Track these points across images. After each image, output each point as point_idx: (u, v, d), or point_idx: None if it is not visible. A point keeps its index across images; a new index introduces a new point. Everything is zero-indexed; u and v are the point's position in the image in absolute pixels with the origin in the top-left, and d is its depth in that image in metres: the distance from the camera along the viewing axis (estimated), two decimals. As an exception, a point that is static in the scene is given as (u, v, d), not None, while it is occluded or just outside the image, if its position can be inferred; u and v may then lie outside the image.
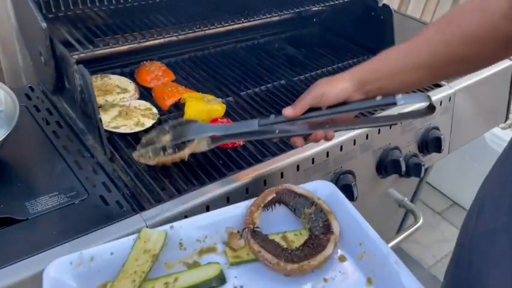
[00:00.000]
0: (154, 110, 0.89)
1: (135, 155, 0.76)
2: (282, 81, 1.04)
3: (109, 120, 0.85)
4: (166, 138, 0.77)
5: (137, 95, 0.94)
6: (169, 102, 0.92)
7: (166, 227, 0.60)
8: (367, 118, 0.88)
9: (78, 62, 0.75)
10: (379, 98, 0.67)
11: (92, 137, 0.82)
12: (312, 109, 0.68)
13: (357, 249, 0.61)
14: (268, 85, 1.02)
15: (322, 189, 0.67)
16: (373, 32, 1.14)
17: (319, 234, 0.63)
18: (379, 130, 0.94)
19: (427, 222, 1.94)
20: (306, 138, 0.72)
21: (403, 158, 0.98)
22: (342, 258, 0.62)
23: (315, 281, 0.59)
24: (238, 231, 0.62)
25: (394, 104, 0.64)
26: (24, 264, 0.60)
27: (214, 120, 0.87)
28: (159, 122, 0.87)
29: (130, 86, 0.95)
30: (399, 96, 0.64)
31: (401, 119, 0.82)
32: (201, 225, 0.62)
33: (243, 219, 0.63)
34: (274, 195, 0.66)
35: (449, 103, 1.07)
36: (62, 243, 0.62)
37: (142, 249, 0.57)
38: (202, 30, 0.99)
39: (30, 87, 0.94)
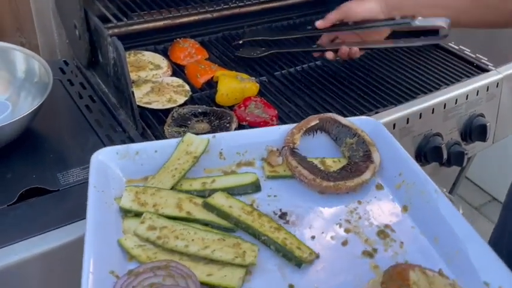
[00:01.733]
0: (187, 87, 0.88)
1: (167, 132, 0.75)
2: (318, 62, 1.01)
3: (141, 96, 0.85)
4: (202, 127, 0.76)
5: (170, 72, 0.93)
6: (202, 79, 0.91)
7: (209, 136, 0.63)
8: (388, 40, 0.94)
9: (112, 36, 0.74)
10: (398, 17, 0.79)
11: (124, 112, 0.81)
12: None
13: (396, 179, 0.61)
14: (304, 65, 1.00)
15: (366, 124, 0.68)
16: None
17: (359, 162, 0.63)
18: (420, 115, 0.90)
19: (465, 217, 1.87)
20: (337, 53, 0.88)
21: (445, 146, 0.94)
22: (379, 187, 0.62)
23: (348, 201, 0.59)
24: (277, 149, 0.64)
25: (409, 23, 0.77)
26: (55, 234, 0.60)
27: (248, 99, 0.85)
28: (191, 99, 0.86)
29: (163, 62, 0.94)
30: (420, 18, 0.76)
31: (423, 41, 0.91)
32: (242, 139, 0.64)
33: (283, 140, 0.64)
34: (318, 121, 0.66)
35: (496, 89, 1.01)
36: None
37: (184, 151, 0.60)
38: (237, 7, 0.96)
39: (64, 61, 0.95)
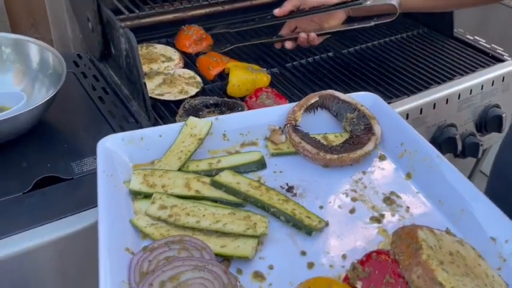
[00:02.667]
0: (198, 79, 0.89)
1: (178, 121, 0.75)
2: (330, 54, 1.01)
3: (153, 88, 0.85)
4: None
5: (182, 64, 0.94)
6: (214, 72, 0.92)
7: (212, 118, 0.64)
8: (343, 24, 0.96)
9: (124, 28, 0.75)
10: None
11: (137, 103, 0.82)
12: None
13: (398, 149, 0.63)
14: (316, 57, 1.00)
15: (365, 99, 0.69)
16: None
17: (360, 135, 0.64)
18: (434, 105, 0.89)
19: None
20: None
21: (460, 137, 0.93)
22: (382, 157, 0.64)
23: (353, 173, 0.61)
24: (280, 128, 0.65)
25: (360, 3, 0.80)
26: (68, 221, 0.61)
27: (259, 90, 0.85)
28: (202, 91, 0.87)
29: (175, 55, 0.95)
30: None
31: (371, 23, 0.93)
32: (245, 120, 0.66)
33: (285, 119, 0.66)
34: (318, 98, 0.68)
35: (512, 79, 0.99)
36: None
37: (188, 134, 0.61)
38: (249, 0, 0.96)
39: (78, 55, 0.96)
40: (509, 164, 0.61)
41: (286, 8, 0.89)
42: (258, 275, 0.47)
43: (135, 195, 0.55)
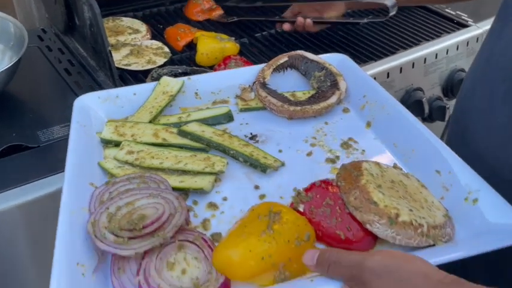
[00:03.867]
0: (166, 49, 0.91)
1: None
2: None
3: (120, 58, 0.86)
4: None
5: (149, 36, 0.95)
6: (182, 42, 0.93)
7: (185, 78, 0.68)
8: (341, 17, 1.00)
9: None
10: None
11: (103, 73, 0.83)
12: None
13: (360, 101, 0.67)
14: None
15: (333, 58, 0.73)
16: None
17: (326, 90, 0.68)
18: (400, 69, 0.91)
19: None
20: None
21: (426, 100, 0.95)
22: (346, 110, 0.68)
23: (316, 124, 0.64)
24: (249, 86, 0.69)
25: None
26: (34, 185, 0.61)
27: (227, 58, 0.85)
28: (170, 61, 0.87)
29: (142, 27, 0.96)
30: None
31: (366, 19, 0.96)
32: (217, 80, 0.69)
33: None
34: (287, 58, 0.71)
35: (476, 44, 1.03)
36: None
37: (161, 92, 0.65)
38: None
39: (42, 29, 0.97)
40: (465, 111, 0.63)
41: None
42: (212, 205, 0.50)
43: (106, 143, 0.59)
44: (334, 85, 0.67)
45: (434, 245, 0.45)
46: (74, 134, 0.56)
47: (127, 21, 0.98)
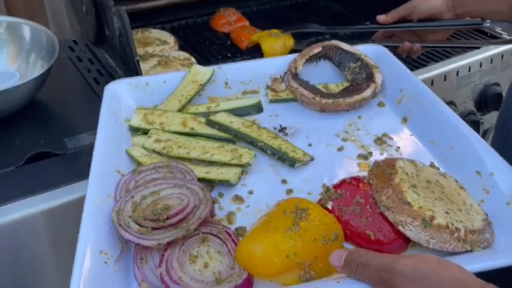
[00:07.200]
0: (193, 60, 0.90)
1: None
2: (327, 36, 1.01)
3: (148, 69, 0.87)
4: None
5: (177, 48, 0.95)
6: (245, 43, 0.96)
7: (215, 67, 0.68)
8: (452, 40, 0.94)
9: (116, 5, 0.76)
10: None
11: (131, 83, 0.82)
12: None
13: (397, 95, 0.65)
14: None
15: (370, 50, 0.71)
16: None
17: (360, 82, 0.66)
18: (432, 81, 0.89)
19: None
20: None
21: (459, 115, 0.92)
22: (381, 104, 0.66)
23: (349, 117, 0.63)
24: (281, 76, 0.68)
25: (481, 24, 0.75)
26: (59, 192, 0.61)
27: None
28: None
29: (170, 38, 0.97)
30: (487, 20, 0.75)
31: (484, 44, 0.93)
32: (247, 70, 0.69)
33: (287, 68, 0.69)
34: (321, 49, 0.69)
35: (511, 58, 0.99)
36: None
37: (190, 80, 0.66)
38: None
39: (73, 40, 0.98)
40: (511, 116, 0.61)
41: (392, 16, 0.82)
42: (238, 198, 0.50)
43: (135, 131, 0.60)
44: (370, 77, 0.66)
45: (471, 251, 0.43)
46: (103, 121, 0.57)
47: (155, 33, 0.99)
